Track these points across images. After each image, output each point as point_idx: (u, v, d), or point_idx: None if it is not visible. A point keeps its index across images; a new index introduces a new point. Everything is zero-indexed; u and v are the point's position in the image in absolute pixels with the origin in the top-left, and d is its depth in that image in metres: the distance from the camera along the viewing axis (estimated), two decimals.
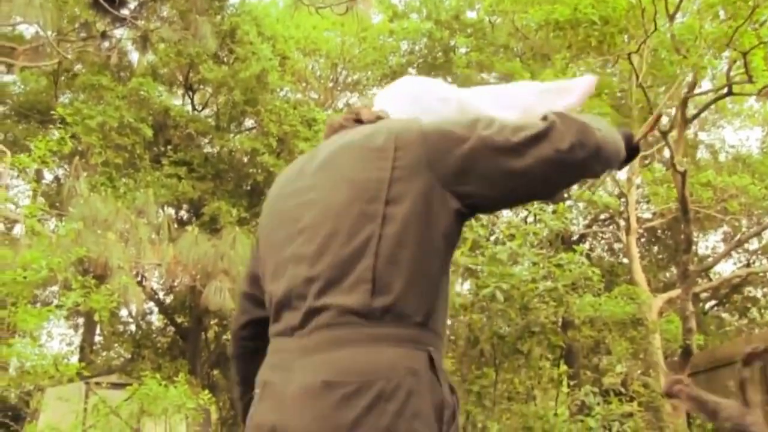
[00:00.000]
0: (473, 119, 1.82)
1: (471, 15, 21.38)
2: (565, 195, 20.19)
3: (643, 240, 22.70)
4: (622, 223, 16.09)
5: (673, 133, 12.85)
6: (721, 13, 12.27)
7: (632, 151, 2.07)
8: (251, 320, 2.20)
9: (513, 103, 2.07)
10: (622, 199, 15.50)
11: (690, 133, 20.75)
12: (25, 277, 6.50)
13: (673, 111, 14.85)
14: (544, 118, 1.80)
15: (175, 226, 16.91)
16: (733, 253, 21.18)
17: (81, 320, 23.14)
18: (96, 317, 8.34)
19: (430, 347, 1.71)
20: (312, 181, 1.89)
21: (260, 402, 1.82)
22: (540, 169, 1.74)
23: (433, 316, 1.75)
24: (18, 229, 11.75)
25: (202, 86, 20.63)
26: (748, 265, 22.12)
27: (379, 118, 2.00)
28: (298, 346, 1.74)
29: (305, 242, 1.80)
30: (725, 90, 12.27)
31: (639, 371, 11.52)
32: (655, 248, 23.91)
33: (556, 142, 1.74)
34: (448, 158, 1.76)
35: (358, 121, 2.01)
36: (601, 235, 23.31)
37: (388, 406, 1.59)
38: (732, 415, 2.39)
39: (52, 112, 9.97)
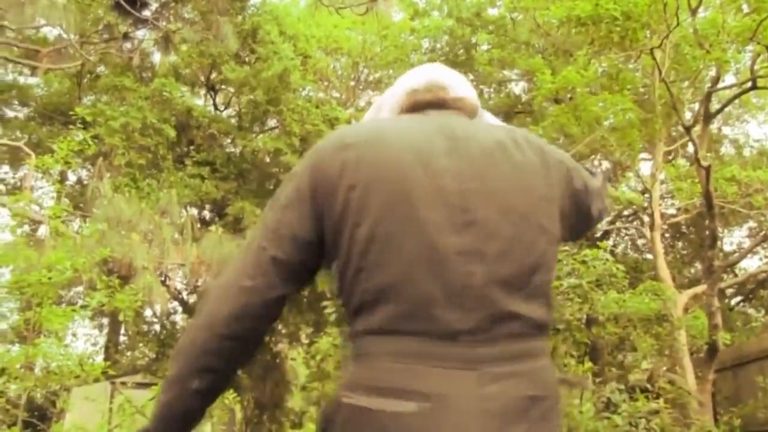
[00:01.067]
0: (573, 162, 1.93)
1: (492, 12, 21.32)
2: None
3: (667, 236, 22.56)
4: (646, 219, 15.99)
5: (697, 128, 12.74)
6: (744, 7, 12.18)
7: None
8: (277, 297, 1.73)
9: None
10: (646, 195, 15.41)
11: (714, 127, 20.61)
12: (50, 278, 6.54)
13: (696, 106, 14.75)
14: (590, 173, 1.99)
15: (199, 226, 17.01)
16: (758, 248, 21.03)
17: (105, 320, 23.29)
18: (121, 317, 8.35)
19: None
20: (474, 168, 1.72)
21: (431, 418, 1.54)
22: (599, 216, 1.98)
23: None
24: (42, 231, 11.84)
25: (224, 86, 20.72)
26: None
27: (474, 110, 1.96)
28: (477, 355, 1.59)
29: (484, 238, 1.65)
30: (749, 84, 12.15)
31: (664, 368, 11.46)
32: (680, 244, 23.77)
33: (605, 198, 2.05)
34: (573, 193, 1.86)
35: (442, 102, 1.92)
36: (625, 231, 23.20)
37: (556, 419, 1.66)
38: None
39: (71, 113, 9.99)
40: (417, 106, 1.91)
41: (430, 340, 1.58)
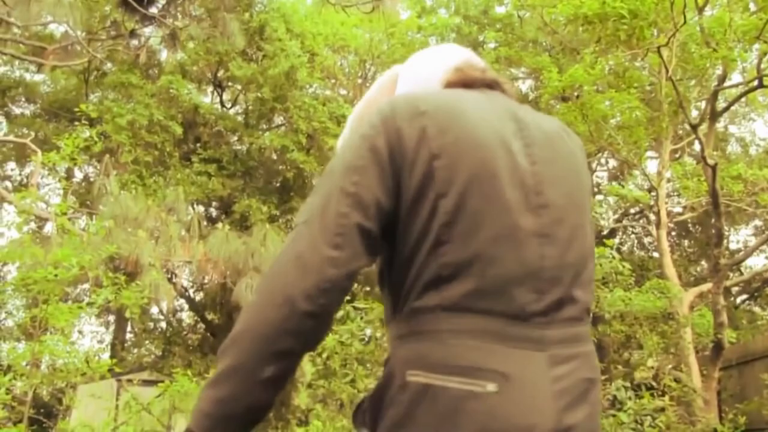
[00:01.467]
0: None
1: (500, 10, 21.33)
2: (595, 189, 20.11)
3: (673, 234, 22.56)
4: (653, 217, 15.95)
5: (703, 127, 12.72)
6: (752, 6, 12.16)
7: None
8: (358, 270, 1.62)
9: None
10: (652, 193, 15.36)
11: (720, 126, 20.59)
12: (56, 275, 6.55)
13: (703, 104, 14.73)
14: None
15: (205, 223, 17.05)
16: (764, 246, 21.00)
17: (112, 318, 23.38)
18: (127, 314, 8.39)
19: None
20: (540, 153, 1.73)
21: (507, 398, 1.52)
22: None
23: None
24: (49, 228, 11.88)
25: (231, 84, 20.75)
26: None
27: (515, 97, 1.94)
28: (546, 336, 1.60)
29: (555, 222, 1.67)
30: (755, 83, 12.13)
31: (670, 366, 11.45)
32: (686, 242, 23.77)
33: None
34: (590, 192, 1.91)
35: (494, 83, 1.90)
36: (631, 229, 23.20)
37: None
38: None
39: (76, 109, 10.00)
40: (470, 82, 1.87)
41: (505, 319, 1.57)
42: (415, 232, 1.62)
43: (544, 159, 1.71)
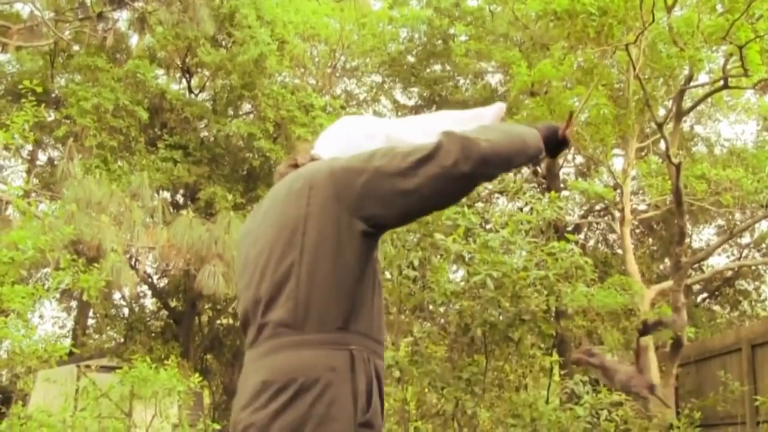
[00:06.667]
0: (372, 151, 2.15)
1: (471, 3, 21.37)
2: (561, 185, 20.23)
3: (637, 231, 22.72)
4: (617, 214, 16.05)
5: (669, 126, 12.79)
6: (719, 7, 12.25)
7: (560, 143, 2.45)
8: None
9: (434, 130, 2.24)
10: (617, 190, 15.48)
11: (686, 126, 20.75)
12: (12, 258, 6.47)
13: (669, 103, 14.82)
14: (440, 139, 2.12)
15: (170, 210, 16.91)
16: (726, 246, 21.24)
17: (74, 303, 23.16)
18: (85, 296, 8.30)
19: (352, 346, 2.04)
20: (257, 224, 2.26)
21: (234, 404, 2.14)
22: (429, 185, 2.05)
23: (355, 320, 2.07)
24: (11, 211, 11.74)
25: (199, 70, 20.61)
26: (740, 258, 22.22)
27: (312, 160, 2.31)
28: (252, 356, 2.11)
29: (252, 272, 2.17)
30: (721, 83, 12.24)
31: (630, 362, 11.54)
32: (650, 240, 23.94)
33: (442, 159, 2.05)
34: (350, 189, 2.08)
35: (295, 166, 2.31)
36: (595, 225, 23.34)
37: (306, 397, 1.94)
38: (622, 379, 2.91)
39: (22, 87, 9.76)
40: (276, 180, 2.42)
41: (247, 350, 2.18)
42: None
43: (256, 228, 2.25)
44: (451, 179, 2.06)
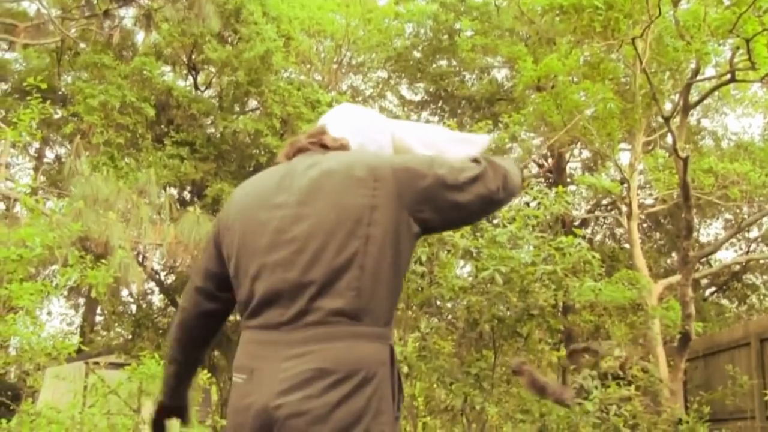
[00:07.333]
0: (430, 158, 2.25)
1: None
2: (568, 180, 20.18)
3: (644, 226, 22.69)
4: (624, 208, 16.02)
5: (676, 119, 12.77)
6: (725, 0, 12.21)
7: None
8: (202, 312, 2.46)
9: (430, 144, 2.49)
10: (624, 185, 15.44)
11: (693, 119, 20.71)
12: (20, 255, 6.48)
13: (676, 97, 14.78)
14: (476, 161, 2.25)
15: (177, 206, 16.90)
16: (733, 240, 21.18)
17: (82, 301, 23.21)
18: (93, 293, 8.31)
19: (391, 342, 2.14)
20: (298, 198, 2.18)
21: (247, 386, 2.10)
22: (476, 203, 2.22)
23: (392, 317, 2.17)
24: (19, 208, 11.76)
25: (205, 66, 20.60)
26: (747, 253, 22.16)
27: (342, 146, 2.35)
28: (288, 339, 2.06)
29: (295, 252, 2.11)
30: (728, 76, 12.20)
31: (638, 356, 11.53)
32: (657, 234, 23.91)
33: (489, 183, 2.22)
34: (411, 190, 2.16)
35: (324, 146, 2.34)
36: (603, 220, 23.31)
37: (366, 390, 2.00)
38: (555, 392, 3.06)
39: (27, 84, 9.74)
40: (290, 154, 2.41)
41: (262, 331, 2.14)
42: (234, 283, 2.27)
43: (299, 202, 2.17)
44: (490, 202, 2.25)
